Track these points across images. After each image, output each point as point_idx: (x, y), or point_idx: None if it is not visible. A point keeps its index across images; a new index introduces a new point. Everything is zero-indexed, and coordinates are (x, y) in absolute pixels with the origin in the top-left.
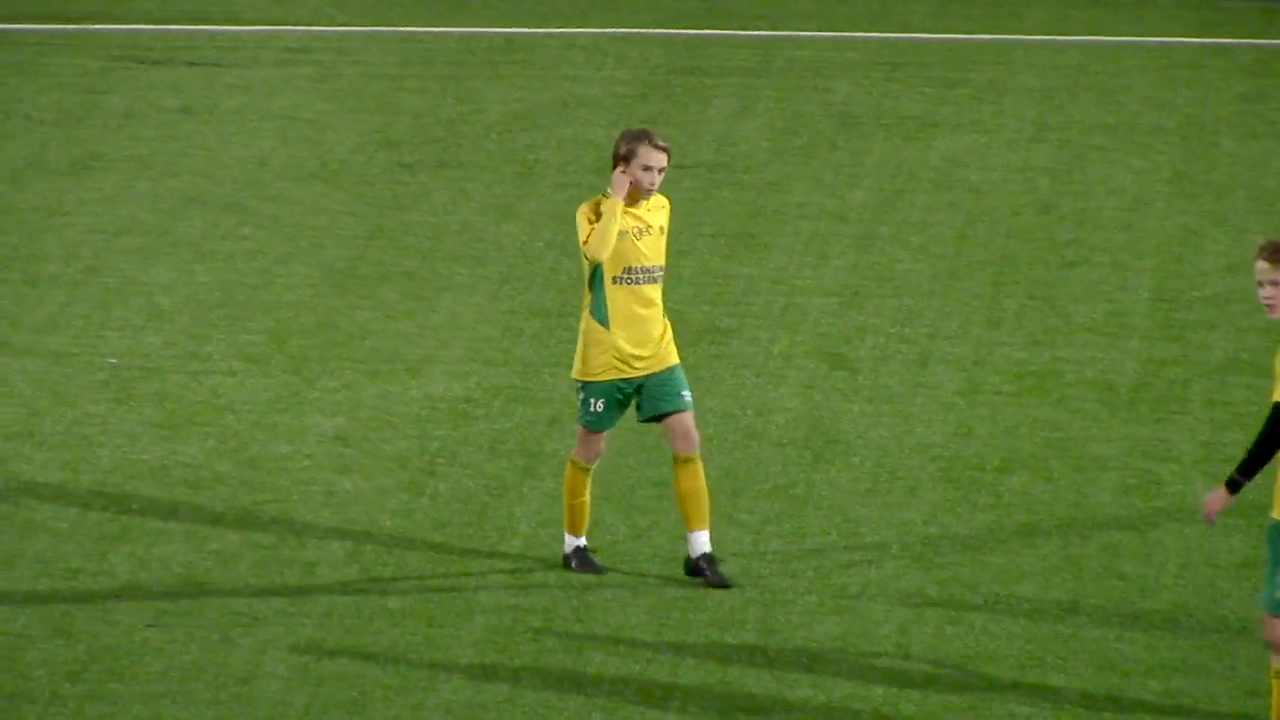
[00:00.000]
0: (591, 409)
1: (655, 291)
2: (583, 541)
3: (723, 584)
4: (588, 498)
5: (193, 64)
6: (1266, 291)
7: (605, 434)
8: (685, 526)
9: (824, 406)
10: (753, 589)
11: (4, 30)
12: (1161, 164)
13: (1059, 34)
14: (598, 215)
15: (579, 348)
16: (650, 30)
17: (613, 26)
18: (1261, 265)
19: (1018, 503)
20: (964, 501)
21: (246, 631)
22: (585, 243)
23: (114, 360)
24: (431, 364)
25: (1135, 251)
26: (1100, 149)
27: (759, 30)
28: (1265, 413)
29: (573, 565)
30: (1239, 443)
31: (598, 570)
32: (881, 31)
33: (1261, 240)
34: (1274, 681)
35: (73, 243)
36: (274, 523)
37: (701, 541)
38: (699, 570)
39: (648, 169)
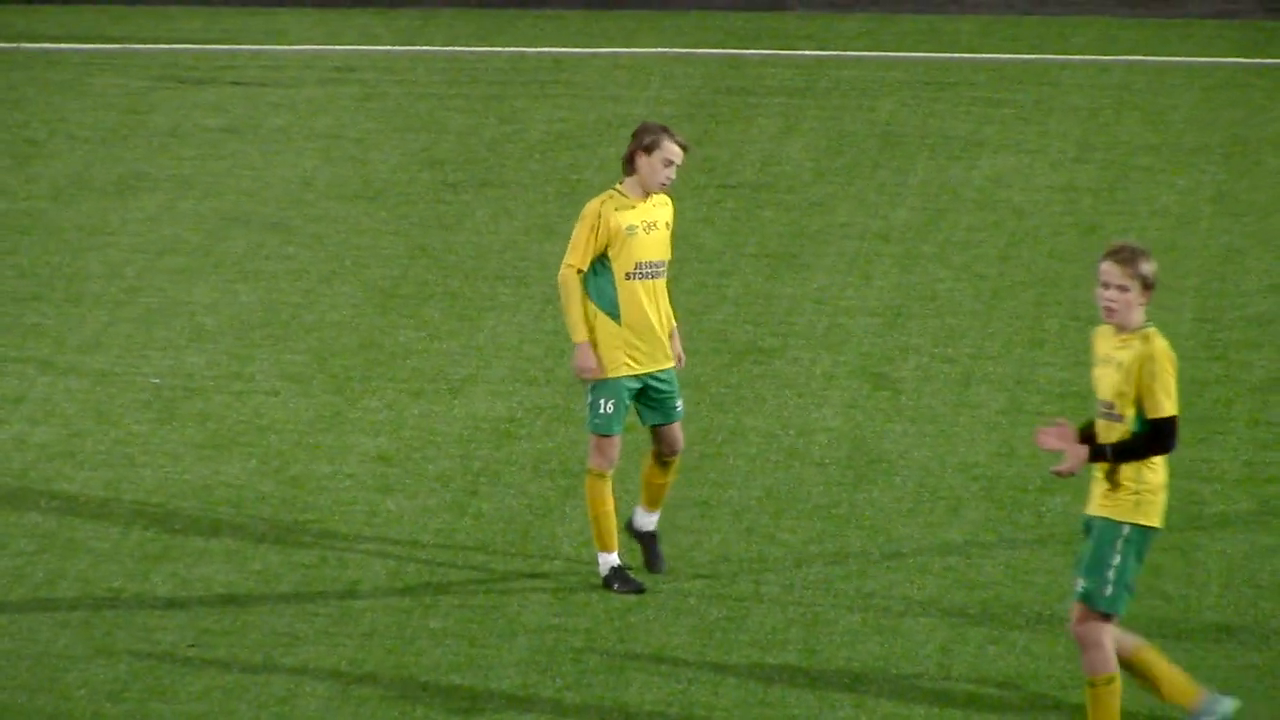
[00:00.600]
0: (601, 410)
1: (662, 286)
2: (617, 559)
3: (657, 568)
4: (612, 507)
5: (237, 83)
6: (1111, 294)
7: (619, 438)
8: (641, 501)
9: (866, 426)
10: (795, 609)
11: (48, 49)
12: (1205, 183)
13: (1104, 54)
14: (603, 229)
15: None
16: (695, 50)
17: (658, 46)
18: (1108, 267)
19: (1060, 522)
20: (1006, 521)
21: (288, 651)
22: (572, 264)
23: (157, 380)
24: (474, 384)
25: (1178, 271)
26: (1144, 169)
27: (804, 50)
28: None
29: (614, 586)
30: None
31: (639, 588)
32: (927, 51)
33: (1111, 244)
34: (1088, 690)
35: (116, 262)
36: (316, 542)
37: (653, 520)
38: (638, 536)
39: (668, 163)
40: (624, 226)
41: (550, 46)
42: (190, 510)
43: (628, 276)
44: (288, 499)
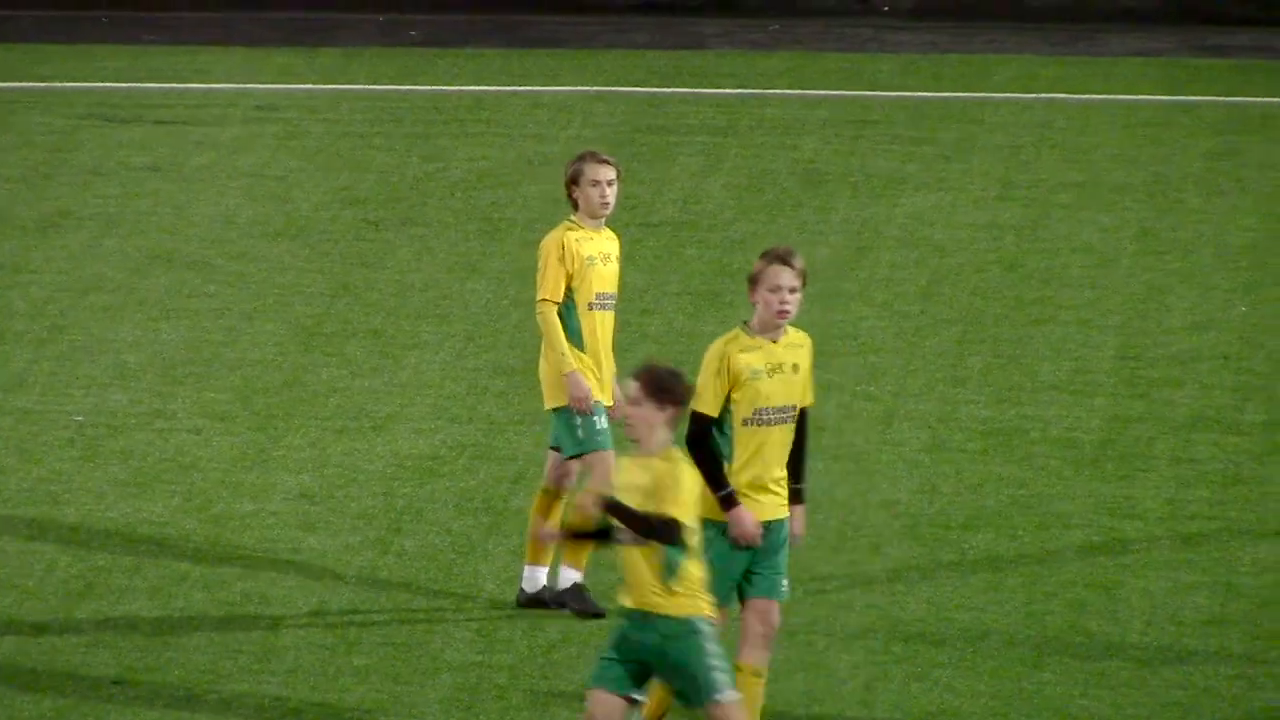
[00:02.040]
0: (598, 425)
1: (613, 319)
2: (580, 576)
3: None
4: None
5: (160, 122)
6: (794, 297)
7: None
8: (553, 560)
9: None
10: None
11: None
12: (1128, 221)
13: (1025, 92)
14: (569, 258)
15: (554, 378)
16: (616, 88)
17: (579, 85)
18: (789, 272)
19: (982, 560)
20: (929, 559)
21: (211, 688)
22: (548, 298)
23: (80, 418)
24: (397, 421)
25: (1101, 309)
26: (1066, 206)
27: (726, 89)
28: (1226, 470)
29: (566, 605)
30: (1204, 499)
31: (560, 606)
32: (849, 90)
33: (779, 249)
34: (754, 682)
35: (39, 300)
36: (239, 580)
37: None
38: (564, 601)
39: (595, 183)
40: (585, 256)
41: (471, 85)
42: (114, 547)
43: (590, 306)
44: (211, 536)
